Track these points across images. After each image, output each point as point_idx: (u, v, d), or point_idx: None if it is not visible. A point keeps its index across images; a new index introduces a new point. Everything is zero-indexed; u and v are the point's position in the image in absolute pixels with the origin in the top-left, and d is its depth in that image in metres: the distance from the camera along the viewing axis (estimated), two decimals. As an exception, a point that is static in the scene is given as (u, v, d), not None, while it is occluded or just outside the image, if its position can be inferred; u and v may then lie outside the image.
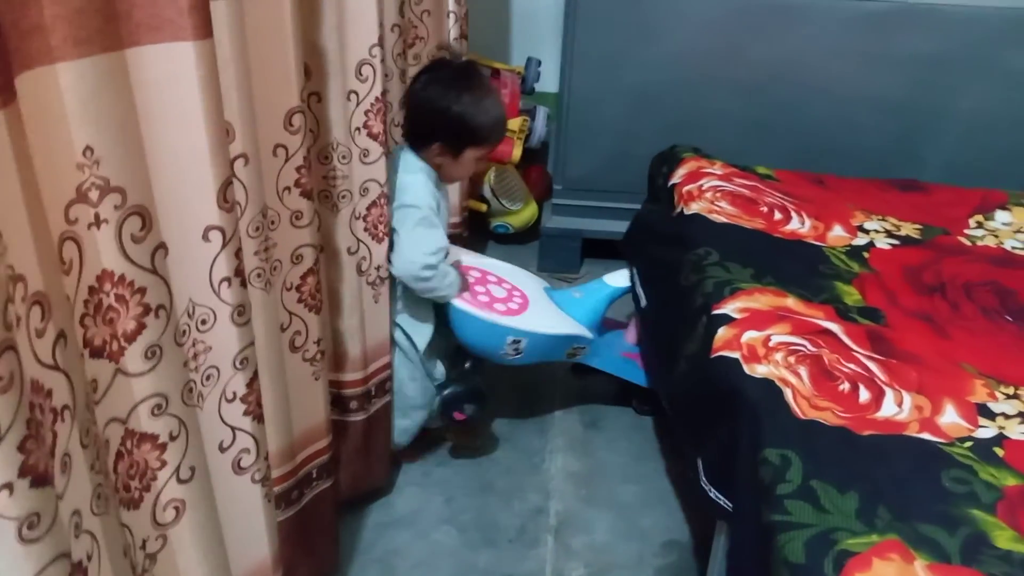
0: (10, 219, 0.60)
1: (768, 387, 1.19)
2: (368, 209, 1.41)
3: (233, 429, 0.98)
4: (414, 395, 1.69)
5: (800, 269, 1.55)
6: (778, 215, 1.76)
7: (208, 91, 0.81)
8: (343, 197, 1.33)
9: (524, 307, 1.71)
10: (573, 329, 1.75)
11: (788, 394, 1.18)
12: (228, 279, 0.89)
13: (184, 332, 0.88)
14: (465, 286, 1.67)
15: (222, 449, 0.98)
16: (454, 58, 1.64)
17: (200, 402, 0.93)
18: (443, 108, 1.54)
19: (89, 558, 0.75)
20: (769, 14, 2.31)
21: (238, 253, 0.90)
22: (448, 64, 1.61)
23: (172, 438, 0.88)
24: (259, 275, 1.09)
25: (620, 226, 2.45)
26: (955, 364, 1.32)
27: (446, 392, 1.71)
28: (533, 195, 2.71)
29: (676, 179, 1.92)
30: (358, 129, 1.33)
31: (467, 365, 1.75)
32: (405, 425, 1.72)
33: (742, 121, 2.42)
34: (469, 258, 1.80)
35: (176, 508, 0.91)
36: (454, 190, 2.12)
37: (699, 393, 1.31)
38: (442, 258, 1.55)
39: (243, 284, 0.93)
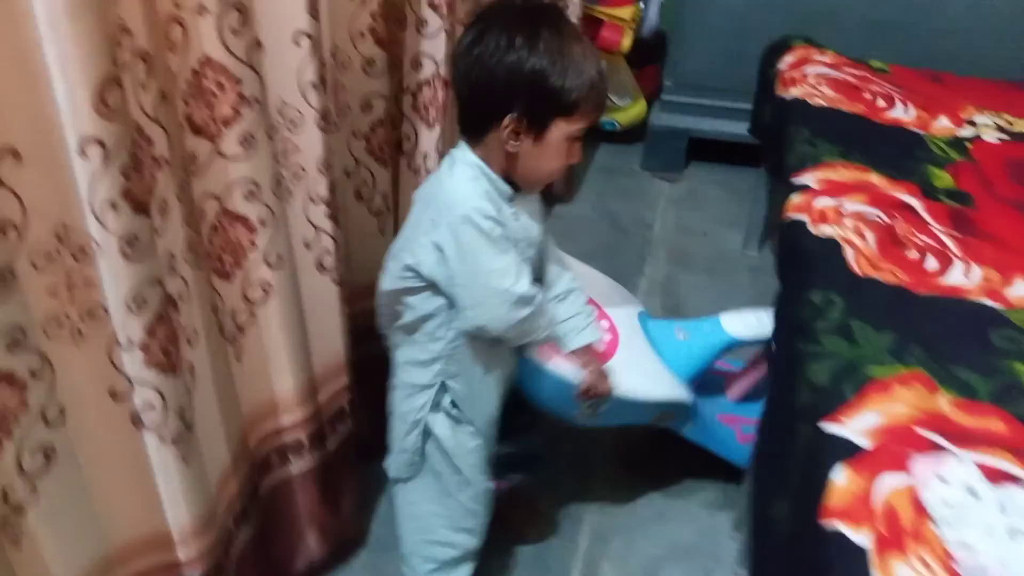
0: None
1: (830, 244, 1.21)
2: (419, 87, 1.31)
3: (316, 228, 1.10)
4: (466, 525, 1.19)
5: (893, 151, 1.53)
6: (881, 102, 1.72)
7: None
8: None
9: (612, 352, 1.28)
10: (671, 393, 1.32)
11: (849, 252, 1.20)
12: (314, 83, 0.99)
13: (275, 128, 1.00)
14: None
15: (307, 246, 1.10)
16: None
17: (289, 197, 1.05)
18: (512, 65, 0.97)
19: (181, 298, 0.89)
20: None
21: (323, 61, 1.00)
22: (511, 5, 1.03)
23: (262, 223, 1.00)
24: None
25: (730, 126, 2.45)
26: (1041, 248, 1.29)
27: (498, 451, 1.25)
28: (644, 94, 2.71)
29: (782, 66, 1.89)
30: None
31: (523, 420, 1.31)
32: None
33: (868, 20, 2.32)
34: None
35: (264, 289, 1.05)
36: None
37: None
38: (525, 281, 1.05)
39: (326, 91, 1.03)
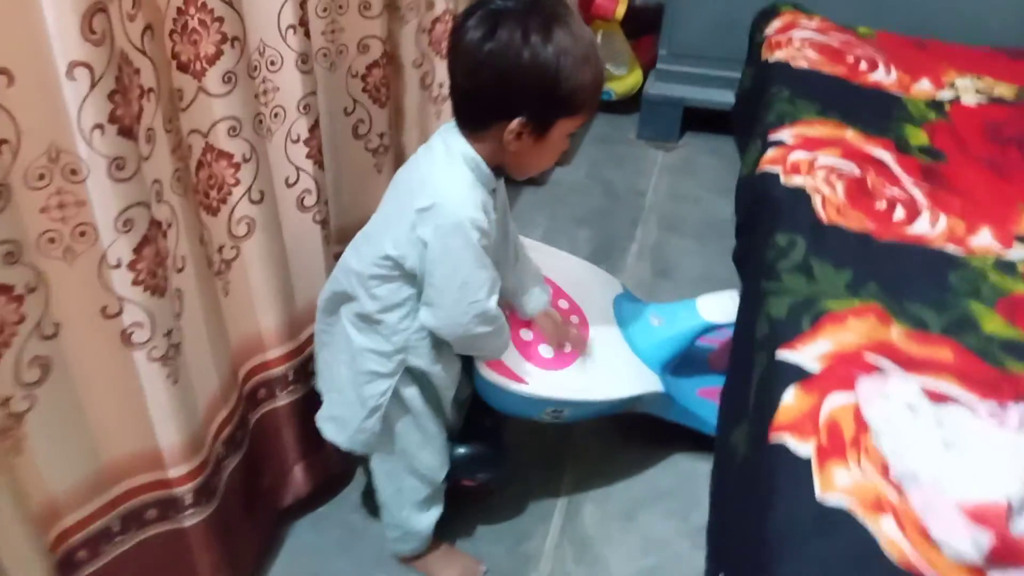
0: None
1: (798, 193, 1.25)
2: (433, 23, 1.43)
3: (297, 168, 1.14)
4: (431, 467, 1.22)
5: (870, 110, 1.56)
6: (863, 65, 1.75)
7: None
8: (411, 9, 1.40)
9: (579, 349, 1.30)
10: (639, 388, 1.33)
11: (817, 200, 1.24)
12: (293, 26, 1.04)
13: (256, 68, 1.04)
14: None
15: (288, 184, 1.15)
16: None
17: (269, 136, 1.09)
18: (532, 66, 0.96)
19: (169, 225, 0.94)
20: None
21: (303, 4, 1.05)
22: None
23: (245, 160, 1.05)
24: (325, 55, 1.24)
25: (724, 95, 2.47)
26: (1010, 202, 1.33)
27: (458, 452, 1.28)
28: (641, 64, 2.74)
29: (769, 31, 1.93)
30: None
31: (486, 424, 1.33)
32: (418, 527, 1.26)
33: (861, -9, 2.35)
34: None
35: (248, 224, 1.10)
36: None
37: (741, 208, 1.38)
38: (495, 299, 1.07)
39: (307, 35, 1.07)
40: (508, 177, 1.12)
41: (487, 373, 1.19)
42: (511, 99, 0.98)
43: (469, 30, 0.97)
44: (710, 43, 2.51)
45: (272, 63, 1.06)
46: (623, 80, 2.71)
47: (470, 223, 1.00)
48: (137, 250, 0.86)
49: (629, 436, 1.56)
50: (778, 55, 1.78)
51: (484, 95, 1.00)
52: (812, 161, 1.35)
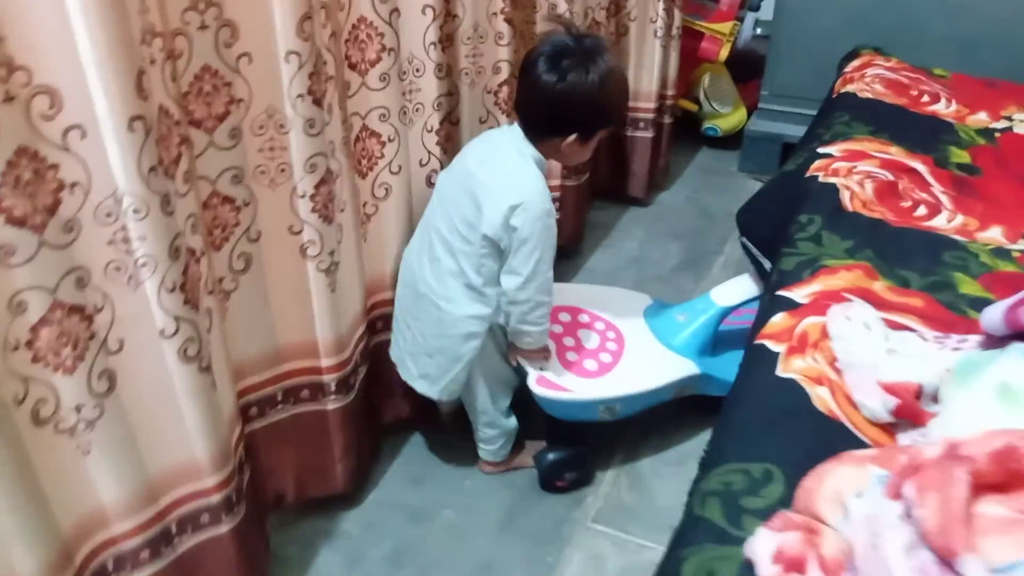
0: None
1: (829, 187, 1.52)
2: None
3: (428, 152, 1.52)
4: (511, 375, 1.60)
5: (920, 133, 1.80)
6: (926, 98, 1.98)
7: None
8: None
9: (619, 355, 1.62)
10: (674, 374, 1.60)
11: (845, 194, 1.50)
12: (435, 43, 1.43)
13: (405, 72, 1.43)
14: (548, 349, 1.58)
15: (421, 164, 1.52)
16: (571, 31, 1.38)
17: (410, 125, 1.48)
18: (588, 99, 1.36)
19: (337, 175, 1.32)
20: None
21: (442, 26, 1.43)
22: (573, 45, 1.35)
23: (390, 140, 1.43)
24: (466, 73, 1.63)
25: (819, 133, 2.72)
26: (1031, 211, 1.53)
27: (548, 459, 1.62)
28: (746, 105, 3.02)
29: (847, 69, 2.18)
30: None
31: (564, 433, 1.64)
32: (509, 426, 1.64)
33: (952, 39, 2.55)
34: (560, 296, 1.67)
35: (386, 189, 1.48)
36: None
37: (779, 199, 1.64)
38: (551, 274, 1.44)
39: (443, 51, 1.45)
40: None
41: (541, 391, 1.52)
42: (571, 121, 1.39)
43: (542, 72, 1.35)
44: (808, 85, 2.76)
45: (417, 70, 1.44)
46: (728, 118, 3.00)
47: (547, 213, 1.37)
48: (317, 187, 1.25)
49: (684, 408, 1.81)
50: (849, 88, 2.03)
51: (552, 119, 1.39)
52: (851, 168, 1.61)
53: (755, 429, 0.96)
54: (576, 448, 1.65)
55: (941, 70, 2.20)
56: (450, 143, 1.62)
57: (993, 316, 0.93)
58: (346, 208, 1.37)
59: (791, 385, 1.01)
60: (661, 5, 2.41)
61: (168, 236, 0.98)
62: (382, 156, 1.45)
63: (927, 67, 2.21)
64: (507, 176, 1.39)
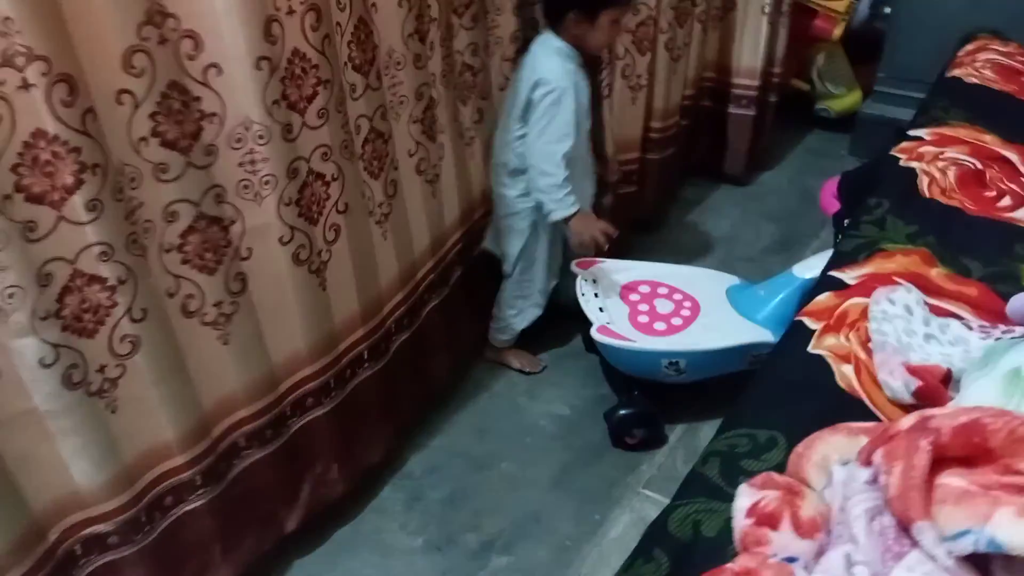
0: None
1: (907, 172, 1.49)
2: (638, 28, 1.94)
3: (416, 143, 1.55)
4: (544, 279, 1.85)
5: (1020, 121, 1.71)
6: (1038, 85, 1.88)
7: None
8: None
9: (691, 320, 1.68)
10: (744, 338, 1.63)
11: (924, 181, 1.47)
12: (412, 35, 1.44)
13: (387, 68, 1.43)
14: (614, 291, 1.75)
15: (409, 155, 1.54)
16: None
17: (396, 119, 1.48)
18: None
19: (334, 177, 1.40)
20: None
21: (419, 16, 1.45)
22: None
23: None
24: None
25: (935, 119, 2.61)
26: None
27: (618, 414, 1.68)
28: (862, 87, 2.92)
29: (961, 53, 2.10)
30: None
31: (635, 392, 1.71)
32: (517, 326, 1.89)
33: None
34: (645, 270, 1.82)
35: (395, 186, 1.51)
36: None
37: (862, 180, 1.61)
38: (566, 146, 1.61)
39: (421, 41, 1.48)
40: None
41: (601, 338, 1.62)
42: (560, 4, 1.60)
43: None
44: (927, 68, 2.63)
45: (398, 63, 1.46)
46: (841, 99, 2.91)
47: (558, 90, 1.59)
48: (300, 192, 1.25)
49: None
50: (956, 72, 1.96)
51: (549, 4, 1.65)
52: (939, 153, 1.57)
53: (773, 398, 0.99)
54: (647, 407, 1.69)
55: (1068, 55, 2.08)
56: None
57: (1019, 306, 0.92)
58: (348, 209, 1.39)
59: (817, 361, 1.03)
60: (771, -20, 2.37)
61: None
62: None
63: (1053, 53, 2.08)
64: (531, 64, 1.65)
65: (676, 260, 2.33)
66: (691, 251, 2.41)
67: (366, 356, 1.54)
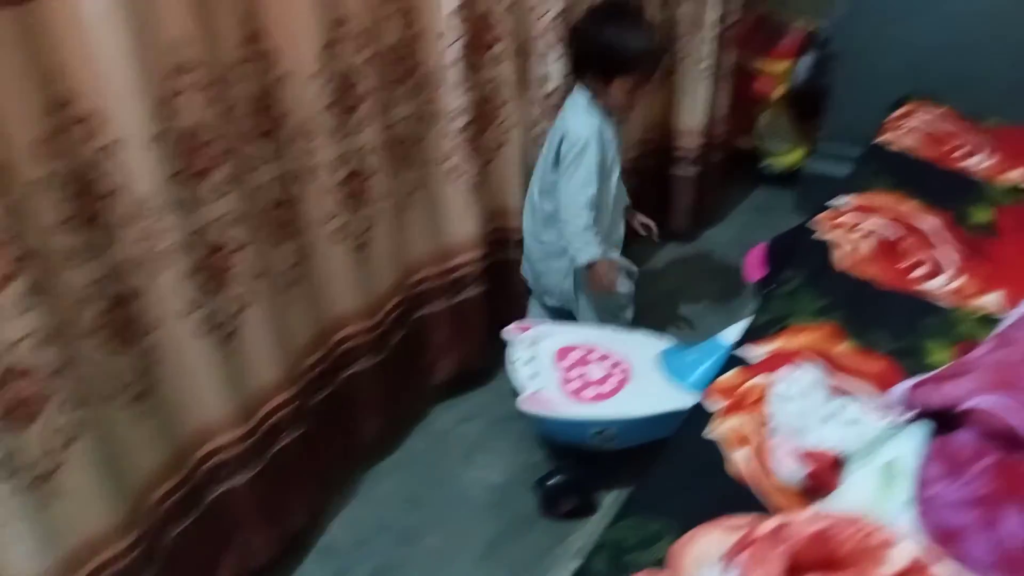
0: None
1: (821, 244, 1.51)
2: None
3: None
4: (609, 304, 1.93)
5: (944, 188, 1.74)
6: (959, 153, 1.92)
7: None
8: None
9: (622, 385, 1.66)
10: (672, 404, 1.57)
11: (837, 252, 1.49)
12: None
13: None
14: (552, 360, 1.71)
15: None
16: None
17: None
18: (590, 37, 1.66)
19: (227, 247, 1.40)
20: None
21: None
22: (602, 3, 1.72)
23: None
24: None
25: (875, 176, 2.66)
26: (1045, 275, 1.48)
27: (548, 483, 1.67)
28: (807, 142, 2.97)
29: (891, 117, 2.14)
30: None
31: (567, 460, 1.71)
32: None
33: (1016, 87, 2.46)
34: (578, 335, 1.80)
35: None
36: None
37: (783, 250, 1.63)
38: (590, 192, 1.69)
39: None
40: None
41: (528, 408, 1.60)
42: (585, 60, 1.69)
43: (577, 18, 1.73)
44: (867, 128, 2.69)
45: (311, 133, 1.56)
46: (784, 157, 2.96)
47: (581, 142, 1.67)
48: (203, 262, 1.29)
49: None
50: (884, 138, 2.00)
51: (573, 57, 1.73)
52: (856, 223, 1.59)
53: (667, 486, 0.99)
54: (579, 475, 1.68)
55: (994, 120, 2.12)
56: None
57: (899, 394, 0.93)
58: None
59: (711, 447, 1.03)
60: (711, 45, 2.42)
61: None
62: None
63: (981, 117, 2.13)
64: (561, 116, 1.76)
65: (618, 320, 2.36)
66: (635, 308, 2.41)
67: (286, 422, 1.52)
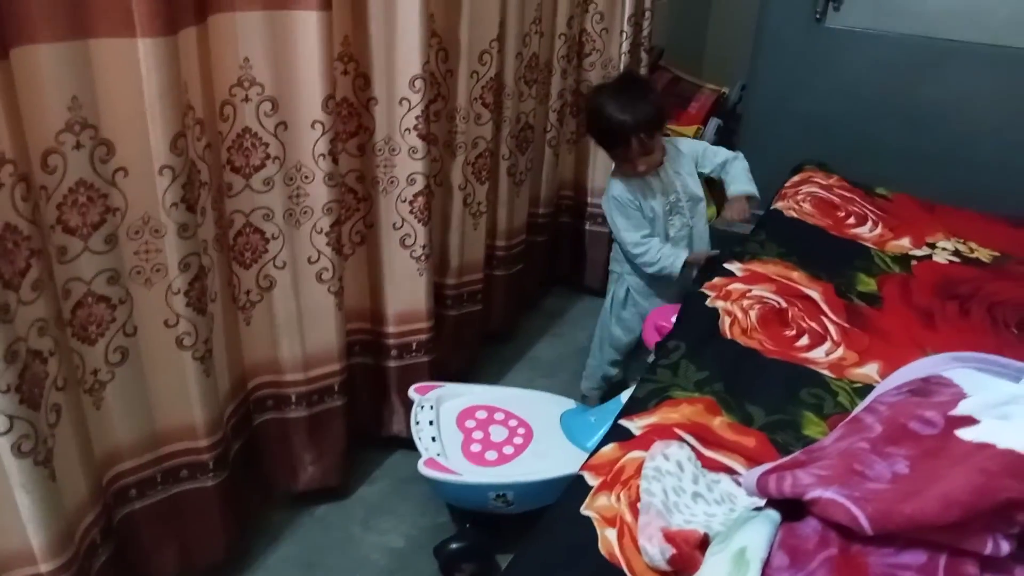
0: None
1: (711, 312, 1.55)
2: (476, 159, 2.00)
3: (318, 251, 1.59)
4: (619, 337, 2.12)
5: (831, 258, 1.81)
6: (851, 220, 2.01)
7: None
8: (460, 147, 1.91)
9: (523, 448, 1.68)
10: (571, 467, 1.43)
11: (726, 322, 1.53)
12: (324, 155, 1.51)
13: (292, 179, 1.51)
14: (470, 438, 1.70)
15: (310, 262, 1.59)
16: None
17: (297, 225, 1.55)
18: (590, 108, 1.90)
19: (209, 270, 1.39)
20: (941, 56, 2.49)
21: (332, 140, 1.51)
22: (618, 77, 2.06)
23: (274, 237, 1.52)
24: (378, 181, 1.71)
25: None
26: (919, 347, 1.53)
27: (448, 549, 1.66)
28: (717, 201, 3.06)
29: (787, 184, 2.22)
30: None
31: (467, 525, 1.71)
32: (607, 374, 2.20)
33: (906, 154, 2.60)
34: (483, 395, 1.82)
35: (271, 281, 1.55)
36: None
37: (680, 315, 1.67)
38: (644, 235, 1.94)
39: (335, 162, 1.55)
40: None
41: (427, 472, 1.59)
42: (589, 129, 1.98)
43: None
44: (770, 190, 2.80)
45: (306, 177, 1.53)
46: (695, 214, 3.03)
47: (611, 199, 1.95)
48: (191, 284, 1.32)
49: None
50: (778, 205, 2.07)
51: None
52: (746, 292, 1.64)
53: (539, 567, 0.99)
54: (479, 540, 1.68)
55: (883, 189, 2.23)
56: (363, 244, 1.72)
57: (748, 482, 0.95)
58: (217, 298, 1.45)
59: (585, 523, 1.04)
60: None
61: (5, 342, 1.06)
62: (266, 251, 1.54)
63: (871, 185, 2.23)
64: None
65: (531, 372, 2.38)
66: (546, 363, 2.44)
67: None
